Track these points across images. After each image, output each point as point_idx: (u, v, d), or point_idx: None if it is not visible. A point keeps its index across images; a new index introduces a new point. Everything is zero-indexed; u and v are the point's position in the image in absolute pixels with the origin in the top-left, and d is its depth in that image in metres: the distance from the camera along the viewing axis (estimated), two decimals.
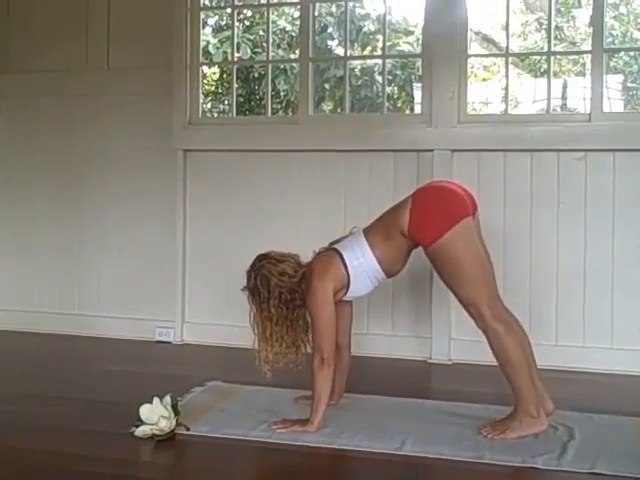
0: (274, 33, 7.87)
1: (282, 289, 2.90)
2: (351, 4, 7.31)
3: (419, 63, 6.67)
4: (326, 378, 2.79)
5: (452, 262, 2.78)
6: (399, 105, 8.89)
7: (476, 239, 2.85)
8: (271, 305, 2.88)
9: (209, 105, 8.69)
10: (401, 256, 2.91)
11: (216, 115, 8.64)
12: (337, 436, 2.75)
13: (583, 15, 9.14)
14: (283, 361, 2.95)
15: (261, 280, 2.91)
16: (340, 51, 8.45)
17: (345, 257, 2.86)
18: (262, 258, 2.99)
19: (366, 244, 2.87)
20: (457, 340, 4.05)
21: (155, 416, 2.73)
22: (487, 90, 9.10)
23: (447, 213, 2.79)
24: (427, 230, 2.78)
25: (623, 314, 3.85)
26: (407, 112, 8.51)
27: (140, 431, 2.74)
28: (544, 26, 8.50)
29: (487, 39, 9.64)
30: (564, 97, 8.71)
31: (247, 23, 8.67)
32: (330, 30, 8.55)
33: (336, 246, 2.93)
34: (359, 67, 8.53)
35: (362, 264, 2.86)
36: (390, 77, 8.19)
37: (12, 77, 4.81)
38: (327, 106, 8.63)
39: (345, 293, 2.92)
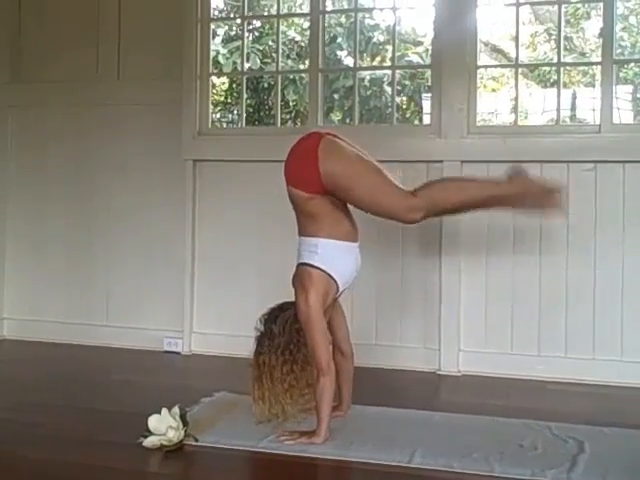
0: (283, 43, 7.90)
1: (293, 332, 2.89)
2: (360, 15, 7.35)
3: (428, 74, 6.68)
4: (325, 388, 2.78)
5: (345, 179, 2.81)
6: (408, 115, 8.90)
7: (346, 147, 2.90)
8: (286, 355, 2.87)
9: (218, 115, 8.72)
10: (334, 215, 2.89)
11: (225, 125, 8.67)
12: (345, 448, 2.74)
13: (592, 26, 9.14)
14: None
15: (280, 329, 2.90)
16: (349, 61, 8.48)
17: (307, 261, 2.86)
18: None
19: (308, 237, 2.89)
20: (466, 351, 4.03)
21: (163, 427, 2.72)
22: (496, 101, 9.10)
23: (304, 153, 2.87)
24: (307, 178, 2.83)
25: (633, 326, 3.83)
26: (416, 123, 8.52)
27: (148, 442, 2.73)
28: (553, 37, 8.50)
29: (496, 50, 9.65)
30: (573, 108, 8.70)
31: (256, 33, 8.71)
32: (339, 40, 8.58)
33: (298, 262, 2.92)
34: (368, 77, 8.54)
35: (323, 252, 2.85)
36: (399, 87, 8.21)
37: (23, 87, 4.83)
38: (336, 116, 8.65)
39: (337, 286, 2.90)
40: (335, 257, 2.88)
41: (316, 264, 2.85)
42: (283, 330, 2.89)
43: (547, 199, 2.82)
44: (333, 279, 2.88)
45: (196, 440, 2.78)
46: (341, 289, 2.95)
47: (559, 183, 2.78)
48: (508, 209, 2.95)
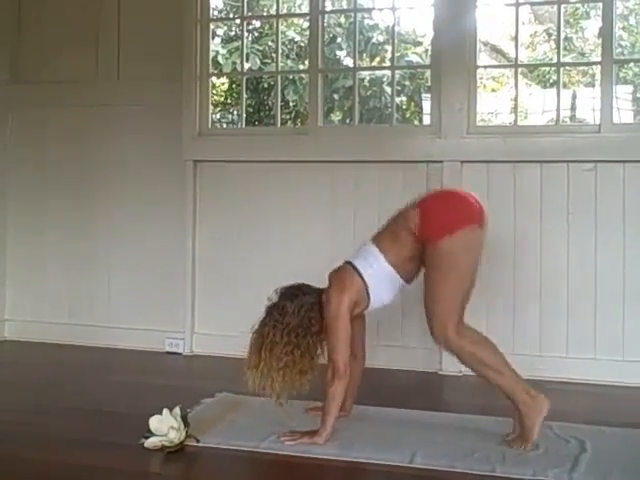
0: (283, 44, 7.90)
1: (305, 317, 2.87)
2: (360, 15, 7.34)
3: (428, 74, 6.68)
4: (337, 391, 2.78)
5: (447, 262, 2.77)
6: (408, 116, 8.89)
7: (478, 253, 2.86)
8: (294, 332, 2.85)
9: (218, 115, 8.71)
10: (413, 256, 2.87)
11: (225, 126, 8.66)
12: (347, 448, 2.74)
13: (592, 26, 9.14)
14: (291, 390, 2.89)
15: (292, 309, 2.88)
16: (349, 61, 8.47)
17: (359, 267, 2.86)
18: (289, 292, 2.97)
19: (377, 250, 2.87)
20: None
21: (165, 427, 2.72)
22: (496, 101, 9.10)
23: (458, 213, 2.82)
24: (436, 226, 2.78)
25: (635, 325, 3.83)
26: (416, 123, 8.51)
27: (150, 442, 2.73)
28: (553, 37, 8.50)
29: (496, 50, 9.65)
30: (573, 108, 8.70)
31: (256, 34, 8.70)
32: (339, 41, 8.58)
33: (349, 259, 2.93)
34: (368, 78, 8.54)
35: (377, 270, 2.86)
36: (399, 88, 8.20)
37: (22, 87, 4.83)
38: (336, 116, 8.64)
39: (368, 303, 2.91)
40: (383, 282, 2.89)
41: (365, 276, 2.85)
42: (297, 312, 2.86)
43: (524, 437, 2.77)
44: (369, 298, 2.89)
45: (197, 441, 2.79)
46: (367, 310, 2.96)
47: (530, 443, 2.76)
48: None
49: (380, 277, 2.87)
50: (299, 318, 2.86)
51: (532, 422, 2.75)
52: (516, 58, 4.42)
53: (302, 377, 2.86)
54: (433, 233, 2.78)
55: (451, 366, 4.02)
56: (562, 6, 4.24)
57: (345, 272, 2.88)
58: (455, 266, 2.79)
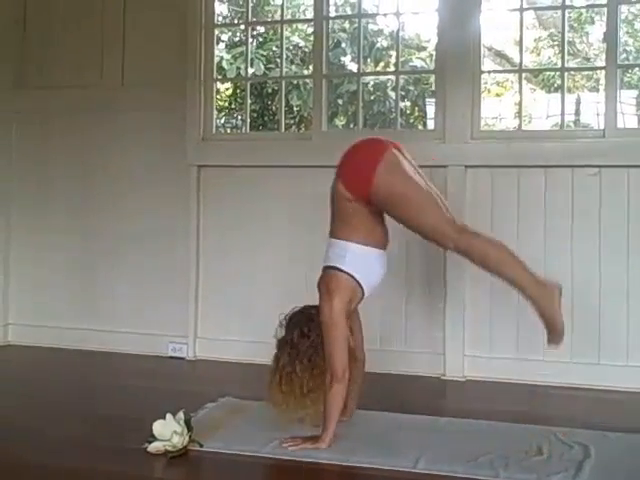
0: (287, 49, 7.91)
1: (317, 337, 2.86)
2: (364, 20, 7.35)
3: (432, 79, 6.68)
4: (337, 395, 2.78)
5: (394, 196, 2.79)
6: (412, 120, 8.91)
7: (406, 165, 2.88)
8: (310, 354, 2.85)
9: (222, 120, 8.73)
10: (370, 221, 2.87)
11: (229, 130, 8.67)
12: (350, 453, 2.73)
13: (596, 31, 9.14)
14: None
15: (299, 334, 2.88)
16: (353, 66, 8.49)
17: (335, 265, 2.85)
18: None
19: (339, 240, 2.87)
20: (471, 356, 4.02)
21: (168, 432, 2.72)
22: (500, 105, 9.10)
23: (366, 157, 2.84)
24: (358, 181, 2.80)
25: (638, 331, 3.82)
26: (420, 127, 8.52)
27: (153, 447, 2.73)
28: (557, 41, 8.51)
29: (500, 55, 9.65)
30: (577, 112, 8.70)
31: (260, 39, 8.72)
32: (343, 46, 8.59)
33: (323, 265, 2.92)
34: (372, 82, 8.55)
35: (351, 257, 2.84)
36: (403, 93, 8.21)
37: (27, 92, 4.84)
38: (340, 121, 8.65)
39: (362, 291, 2.90)
40: (364, 263, 2.87)
41: (344, 268, 2.83)
42: (304, 336, 2.86)
43: (552, 329, 2.76)
44: (360, 285, 2.87)
45: (200, 445, 2.78)
46: (366, 295, 2.93)
47: (562, 333, 2.75)
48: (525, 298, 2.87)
49: (358, 260, 2.85)
50: (308, 341, 2.85)
51: (556, 313, 2.72)
52: (520, 63, 4.41)
53: None
54: (361, 188, 2.79)
55: (454, 371, 4.02)
56: (566, 11, 4.24)
57: (326, 277, 2.87)
58: (401, 194, 2.80)
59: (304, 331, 2.87)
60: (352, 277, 2.84)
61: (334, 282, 2.83)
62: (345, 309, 2.83)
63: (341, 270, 2.84)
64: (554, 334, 2.75)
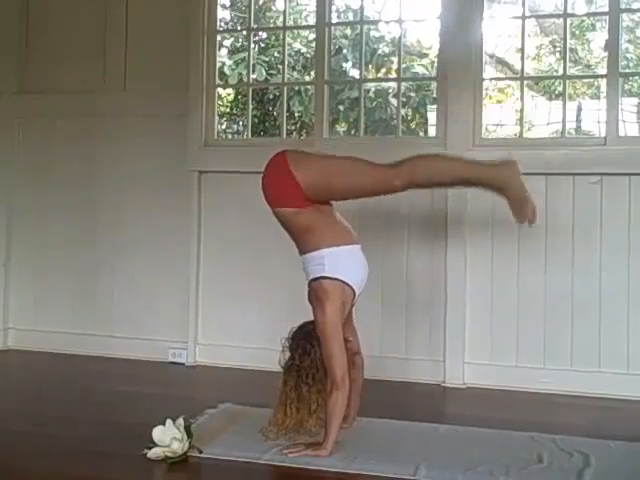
0: (289, 55, 7.91)
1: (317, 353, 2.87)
2: (366, 27, 7.36)
3: (433, 85, 6.68)
4: (338, 402, 2.77)
5: (325, 179, 2.88)
6: (413, 127, 8.90)
7: (312, 153, 3.08)
8: (313, 372, 2.86)
9: (224, 126, 8.73)
10: (326, 223, 2.91)
11: (230, 136, 8.67)
12: (350, 460, 2.73)
13: (597, 38, 9.14)
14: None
15: (301, 353, 2.89)
16: (354, 72, 8.49)
17: (318, 275, 2.85)
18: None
19: (311, 253, 2.88)
20: (471, 364, 4.02)
21: (168, 438, 2.72)
22: (501, 112, 9.10)
23: (276, 170, 2.96)
24: (288, 192, 2.87)
25: (639, 339, 3.82)
26: (421, 134, 8.52)
27: (153, 453, 2.73)
28: (558, 48, 8.51)
29: (501, 62, 9.65)
30: (578, 120, 8.70)
31: (262, 45, 8.72)
32: (345, 52, 8.59)
33: (307, 280, 2.92)
34: (373, 89, 8.55)
35: (331, 261, 2.85)
36: (404, 99, 8.21)
37: (29, 97, 4.85)
38: (341, 128, 8.65)
39: (353, 291, 2.90)
40: (344, 263, 2.88)
41: (327, 275, 2.84)
42: (307, 354, 2.86)
43: (519, 206, 2.81)
44: (348, 285, 2.87)
45: (200, 452, 2.78)
46: (357, 292, 2.93)
47: (531, 203, 2.78)
48: (489, 191, 2.93)
49: (336, 262, 2.86)
50: (309, 358, 2.86)
51: (514, 189, 2.76)
52: (522, 70, 4.42)
53: None
54: (296, 195, 2.85)
55: (454, 378, 4.02)
56: (568, 19, 4.24)
57: (313, 289, 2.88)
58: (327, 173, 2.88)
59: (306, 349, 2.87)
60: (337, 280, 2.85)
61: (321, 291, 2.84)
62: (339, 314, 2.84)
63: (324, 277, 2.85)
64: (525, 208, 2.77)
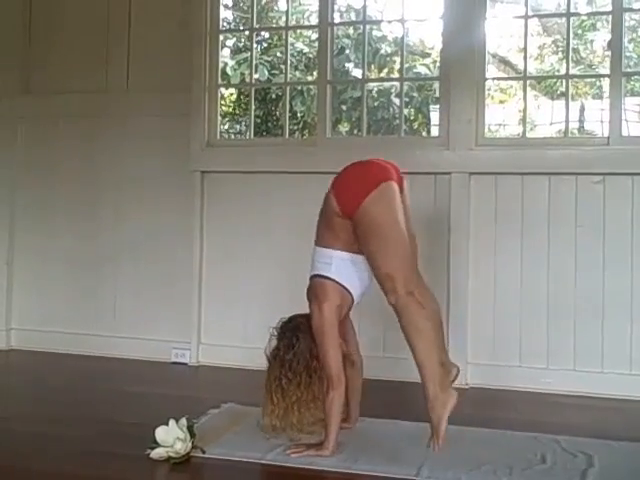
0: (292, 55, 7.91)
1: (301, 347, 2.88)
2: (369, 27, 7.35)
3: (436, 85, 6.68)
4: (335, 400, 2.78)
5: (372, 225, 2.77)
6: (415, 127, 8.89)
7: (398, 205, 2.84)
8: (294, 366, 2.87)
9: (226, 126, 8.73)
10: (353, 236, 2.86)
11: (233, 136, 8.67)
12: (353, 461, 2.73)
13: (599, 38, 9.13)
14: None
15: (285, 345, 2.90)
16: (357, 72, 8.48)
17: (321, 273, 2.87)
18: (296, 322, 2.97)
19: (324, 249, 2.89)
20: (474, 364, 4.01)
21: (171, 438, 2.72)
22: (504, 112, 9.09)
23: (364, 180, 2.83)
24: (349, 200, 2.80)
25: None
26: (424, 134, 8.51)
27: (155, 453, 2.73)
28: (560, 48, 8.50)
29: (504, 61, 9.64)
30: (581, 120, 8.69)
31: (265, 45, 8.72)
32: (347, 52, 8.59)
33: (310, 274, 2.93)
34: (376, 89, 8.54)
35: (337, 265, 2.86)
36: (407, 99, 8.20)
37: (32, 98, 4.85)
38: (344, 127, 8.65)
39: (352, 297, 2.91)
40: (349, 269, 2.88)
41: (331, 276, 2.85)
42: (294, 345, 2.88)
43: (435, 432, 2.69)
44: (348, 291, 2.88)
45: (203, 452, 2.78)
46: (356, 301, 2.95)
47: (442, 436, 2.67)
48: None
49: (344, 268, 2.86)
50: (292, 351, 2.87)
51: (441, 419, 2.66)
52: (525, 70, 4.41)
53: (316, 402, 2.87)
54: (351, 203, 2.79)
55: (457, 379, 4.00)
56: (571, 18, 4.24)
57: (313, 285, 2.89)
58: (377, 225, 2.78)
59: (292, 341, 2.89)
60: (339, 284, 2.86)
61: (321, 290, 2.85)
62: (336, 314, 2.85)
63: (327, 277, 2.86)
64: (436, 436, 2.67)
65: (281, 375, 2.87)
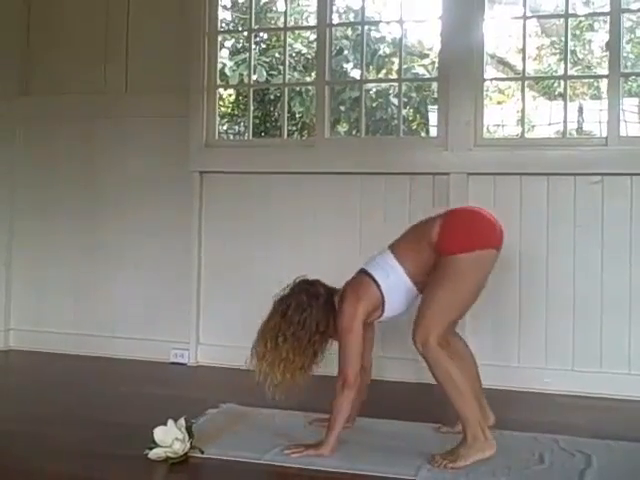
0: (290, 56, 7.92)
1: (311, 316, 2.86)
2: (367, 27, 7.36)
3: (434, 86, 6.69)
4: (346, 401, 2.78)
5: (451, 277, 2.76)
6: (414, 127, 8.90)
7: (486, 274, 2.86)
8: (297, 329, 2.84)
9: (225, 127, 8.73)
10: (430, 267, 2.84)
11: (232, 137, 8.68)
12: (353, 460, 2.73)
13: (597, 38, 9.14)
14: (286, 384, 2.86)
15: (297, 305, 2.87)
16: (355, 73, 8.49)
17: (376, 277, 2.86)
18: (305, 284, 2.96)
19: (394, 260, 2.87)
20: None
21: (169, 439, 2.71)
22: (502, 112, 9.10)
23: (480, 234, 2.83)
24: (451, 242, 2.78)
25: None
26: (422, 135, 8.52)
27: (154, 454, 2.72)
28: (559, 49, 8.51)
29: (502, 62, 9.65)
30: (580, 120, 8.70)
31: (263, 46, 8.73)
32: (346, 53, 8.59)
33: (365, 267, 2.92)
34: (374, 89, 8.55)
35: (394, 281, 2.85)
36: (405, 99, 8.21)
37: (31, 99, 4.85)
38: (342, 128, 8.65)
39: (381, 313, 2.91)
40: (400, 293, 2.88)
41: (381, 284, 2.85)
42: (304, 309, 2.85)
43: (453, 457, 2.71)
44: (383, 307, 2.88)
45: (202, 452, 2.78)
46: (381, 319, 2.95)
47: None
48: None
49: (396, 289, 2.86)
50: (305, 314, 2.84)
51: (469, 454, 2.68)
52: (523, 70, 4.42)
53: (302, 374, 2.84)
54: (451, 246, 2.77)
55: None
56: (569, 19, 4.24)
57: (361, 283, 2.87)
58: (462, 282, 2.78)
59: (303, 305, 2.86)
60: (382, 298, 2.85)
61: (365, 289, 2.85)
62: (365, 318, 2.84)
63: (378, 286, 2.85)
64: (449, 459, 2.69)
65: (280, 330, 2.83)
